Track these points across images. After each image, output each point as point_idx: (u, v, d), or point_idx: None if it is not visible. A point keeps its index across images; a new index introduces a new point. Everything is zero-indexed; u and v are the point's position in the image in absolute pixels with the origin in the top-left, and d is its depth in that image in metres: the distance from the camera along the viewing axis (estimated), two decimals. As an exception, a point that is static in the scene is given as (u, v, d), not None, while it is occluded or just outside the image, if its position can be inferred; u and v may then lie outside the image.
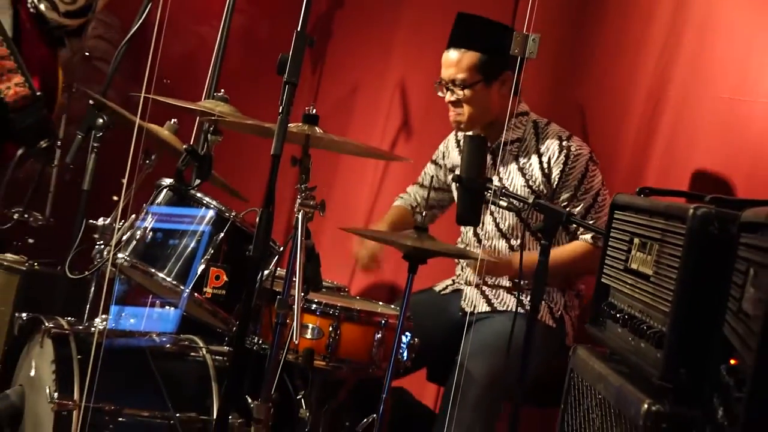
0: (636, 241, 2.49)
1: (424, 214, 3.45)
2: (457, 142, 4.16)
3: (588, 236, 3.82)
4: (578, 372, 2.67)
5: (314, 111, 3.34)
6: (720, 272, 2.08)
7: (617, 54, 4.15)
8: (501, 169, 3.93)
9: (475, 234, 4.01)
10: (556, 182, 3.83)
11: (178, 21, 5.08)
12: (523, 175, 3.89)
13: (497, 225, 3.95)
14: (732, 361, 1.90)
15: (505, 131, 3.82)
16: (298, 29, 2.78)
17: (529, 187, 3.86)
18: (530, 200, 3.27)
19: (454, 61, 3.91)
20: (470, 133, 3.96)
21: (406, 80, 4.88)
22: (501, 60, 3.70)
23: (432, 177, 4.21)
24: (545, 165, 3.86)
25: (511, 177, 3.90)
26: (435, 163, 4.25)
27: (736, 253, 2.01)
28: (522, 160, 3.91)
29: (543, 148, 3.88)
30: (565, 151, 3.84)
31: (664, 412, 2.12)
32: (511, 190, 3.84)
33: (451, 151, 4.17)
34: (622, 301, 2.54)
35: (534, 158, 3.89)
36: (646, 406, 2.15)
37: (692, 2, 3.84)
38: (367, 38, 5.11)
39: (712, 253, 2.13)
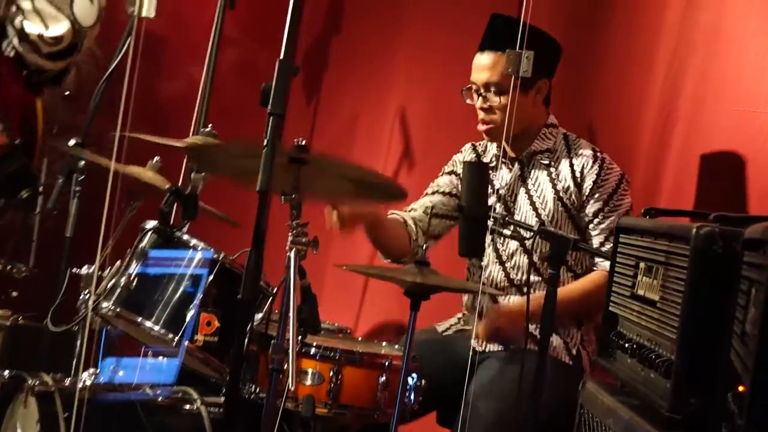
0: (642, 265, 2.52)
1: (425, 246, 3.47)
2: (478, 155, 4.15)
3: (607, 264, 3.81)
4: (588, 407, 2.69)
5: (303, 142, 3.36)
6: (726, 293, 2.10)
7: (626, 66, 4.19)
8: (530, 180, 3.96)
9: (495, 250, 4.00)
10: (587, 192, 3.86)
11: (163, 54, 5.15)
12: (554, 185, 3.92)
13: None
14: (741, 388, 1.92)
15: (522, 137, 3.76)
16: (281, 57, 2.81)
17: (560, 198, 3.89)
18: (535, 227, 3.30)
19: (489, 65, 3.90)
20: (470, 158, 3.99)
21: (406, 109, 4.91)
22: (539, 67, 3.63)
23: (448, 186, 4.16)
24: (578, 173, 3.89)
25: (540, 188, 3.94)
26: (454, 174, 4.17)
27: (740, 272, 2.04)
28: (552, 170, 3.94)
29: (575, 158, 3.92)
30: (599, 161, 3.89)
31: (673, 445, 2.15)
32: (540, 200, 3.91)
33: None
34: (630, 329, 2.57)
35: (565, 167, 3.92)
36: (656, 440, 2.17)
37: (702, 11, 3.88)
38: (366, 65, 5.15)
39: (717, 273, 2.16)
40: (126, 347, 3.99)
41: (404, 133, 4.89)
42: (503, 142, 3.97)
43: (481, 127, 3.97)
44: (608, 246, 3.79)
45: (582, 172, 3.90)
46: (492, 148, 4.10)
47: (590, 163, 3.90)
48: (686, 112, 3.89)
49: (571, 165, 3.92)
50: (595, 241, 3.85)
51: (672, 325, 2.26)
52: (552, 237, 3.26)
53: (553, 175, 3.94)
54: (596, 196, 3.87)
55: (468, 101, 3.98)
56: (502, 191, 3.96)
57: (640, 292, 2.51)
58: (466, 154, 4.20)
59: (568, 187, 3.90)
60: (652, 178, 4.00)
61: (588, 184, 3.88)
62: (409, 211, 4.13)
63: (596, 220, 3.86)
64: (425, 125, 4.79)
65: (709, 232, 2.18)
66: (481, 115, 3.96)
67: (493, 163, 3.98)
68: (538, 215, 3.91)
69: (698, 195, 3.76)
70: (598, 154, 3.92)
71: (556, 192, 3.91)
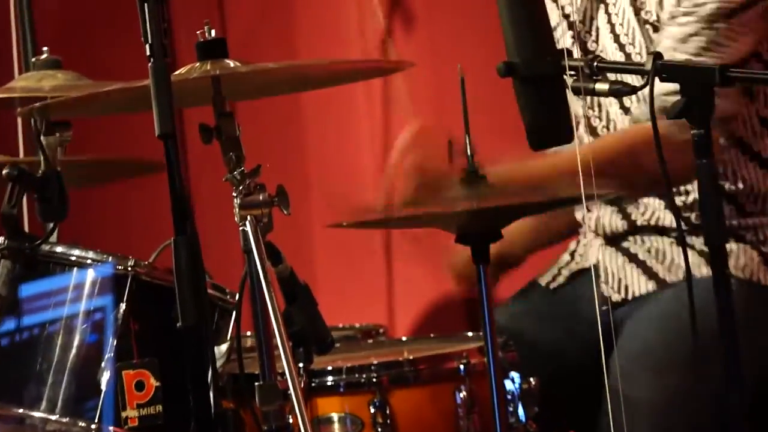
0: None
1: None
2: None
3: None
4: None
5: (213, 33, 3.32)
6: None
7: None
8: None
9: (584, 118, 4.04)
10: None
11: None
12: (635, 6, 3.97)
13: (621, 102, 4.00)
14: None
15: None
16: None
17: (644, 23, 3.95)
18: (648, 65, 3.22)
19: None
20: None
21: None
22: None
23: None
24: None
25: (622, 10, 4.01)
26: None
27: None
28: None
29: None
30: None
31: None
32: (624, 29, 3.99)
33: None
34: None
35: None
36: None
37: None
38: None
39: None
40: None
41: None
42: None
43: None
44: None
45: None
46: None
47: None
48: None
49: None
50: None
51: None
52: (682, 73, 3.18)
53: None
54: None
55: None
56: (575, 20, 4.02)
57: None
58: None
59: (652, 6, 3.93)
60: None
61: None
62: None
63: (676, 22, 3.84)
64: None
65: None
66: None
67: None
68: (625, 53, 3.98)
69: None
70: None
71: (639, 17, 3.97)
